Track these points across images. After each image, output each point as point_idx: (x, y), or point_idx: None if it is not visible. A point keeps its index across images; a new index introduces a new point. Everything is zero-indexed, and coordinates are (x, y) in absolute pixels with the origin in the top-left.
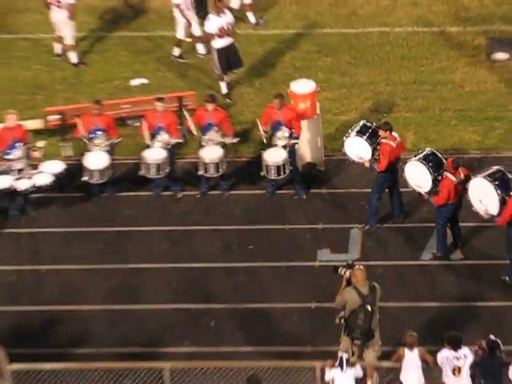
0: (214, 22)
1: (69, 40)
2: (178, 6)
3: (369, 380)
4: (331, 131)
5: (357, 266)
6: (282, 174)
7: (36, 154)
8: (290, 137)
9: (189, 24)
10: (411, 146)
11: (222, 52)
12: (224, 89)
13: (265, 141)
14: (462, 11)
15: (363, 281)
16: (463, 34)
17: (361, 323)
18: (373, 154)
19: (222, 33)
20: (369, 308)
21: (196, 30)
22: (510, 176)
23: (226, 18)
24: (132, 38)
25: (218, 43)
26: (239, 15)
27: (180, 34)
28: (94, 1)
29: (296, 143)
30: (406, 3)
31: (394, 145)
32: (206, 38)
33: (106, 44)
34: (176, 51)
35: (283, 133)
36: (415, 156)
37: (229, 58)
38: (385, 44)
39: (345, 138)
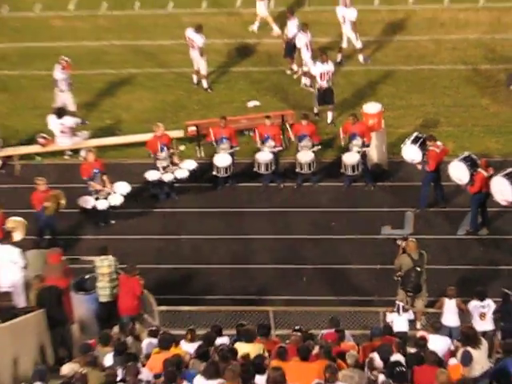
0: (318, 68)
1: (202, 71)
2: (305, 45)
3: (418, 322)
4: (392, 140)
5: (410, 239)
6: (356, 171)
7: (175, 159)
8: (363, 145)
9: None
10: (451, 153)
11: (320, 91)
12: (315, 110)
13: (343, 145)
14: (488, 54)
15: (414, 249)
16: (489, 71)
17: (412, 280)
18: (423, 158)
19: (323, 77)
20: (418, 269)
21: (310, 67)
22: None
23: (328, 67)
24: (248, 72)
25: (319, 84)
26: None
27: (305, 67)
28: (220, 44)
29: (367, 149)
30: (449, 48)
31: (438, 151)
32: (311, 77)
33: (229, 76)
34: (306, 80)
35: (357, 141)
36: (457, 157)
37: (324, 96)
38: (432, 77)
39: (402, 145)
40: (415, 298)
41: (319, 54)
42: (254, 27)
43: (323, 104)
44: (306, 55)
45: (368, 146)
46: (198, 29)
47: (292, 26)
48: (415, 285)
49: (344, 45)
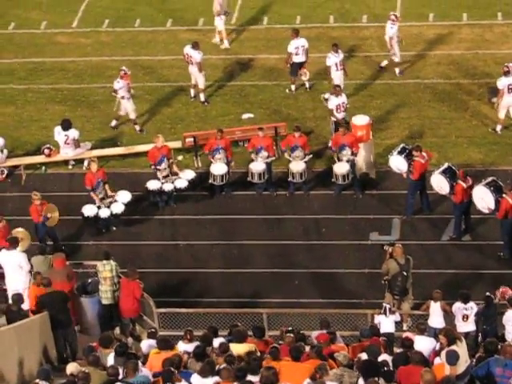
0: (333, 101)
1: (200, 86)
2: (334, 65)
3: (404, 323)
4: (380, 151)
5: (397, 245)
6: (346, 180)
7: (175, 169)
8: (352, 154)
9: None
10: (435, 162)
11: (336, 123)
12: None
13: (336, 158)
14: (471, 69)
15: (401, 255)
16: (472, 85)
17: (399, 284)
18: (408, 167)
19: (339, 109)
20: (405, 274)
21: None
22: (501, 183)
23: (342, 99)
24: (242, 86)
25: (335, 116)
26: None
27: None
28: (216, 60)
29: (355, 158)
30: (433, 63)
31: (423, 161)
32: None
33: (224, 89)
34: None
35: (347, 151)
36: (437, 169)
37: (338, 125)
38: (418, 91)
39: (389, 156)
40: (401, 301)
41: (333, 87)
42: (224, 44)
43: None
44: (335, 74)
45: (355, 155)
46: (195, 46)
47: (294, 45)
48: (401, 288)
49: (398, 59)
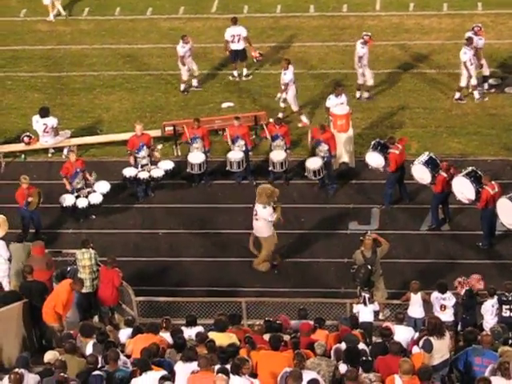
0: (332, 100)
1: (184, 76)
2: (469, 60)
3: (380, 313)
4: (360, 141)
5: (367, 237)
6: (317, 175)
7: (156, 155)
8: (329, 152)
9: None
10: (415, 152)
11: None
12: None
13: (309, 148)
14: (451, 59)
15: (369, 248)
16: (452, 75)
17: (361, 276)
18: (385, 161)
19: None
20: (369, 267)
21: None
22: (480, 173)
23: (342, 99)
24: (223, 74)
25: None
26: None
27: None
28: (196, 48)
29: (333, 159)
30: (413, 53)
31: (397, 152)
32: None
33: (204, 78)
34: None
35: (323, 147)
36: (418, 159)
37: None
38: (398, 80)
39: (365, 153)
40: (374, 292)
41: (333, 87)
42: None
43: None
44: (470, 69)
45: (335, 156)
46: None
47: (230, 33)
48: (363, 280)
49: (487, 73)
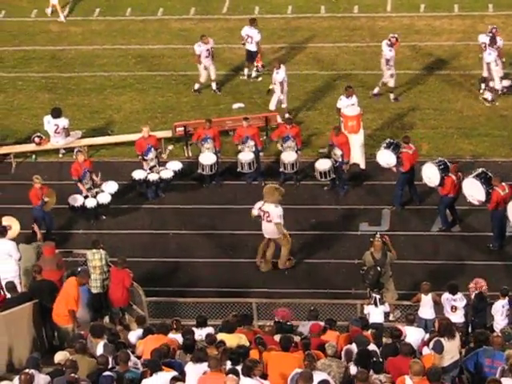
0: (343, 101)
1: (202, 78)
2: (494, 61)
3: (391, 314)
4: (370, 142)
5: (377, 238)
6: (325, 177)
7: (163, 156)
8: (342, 157)
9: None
10: (425, 153)
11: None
12: None
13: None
14: (462, 60)
15: (379, 249)
16: (463, 76)
17: (370, 277)
18: (397, 161)
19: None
20: (378, 268)
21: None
22: (490, 175)
23: (353, 100)
24: (234, 75)
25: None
26: None
27: (491, 82)
28: None
29: (346, 165)
30: (424, 54)
31: (411, 152)
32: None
33: (216, 79)
34: (488, 95)
35: (336, 151)
36: (431, 161)
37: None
38: (409, 82)
39: (377, 151)
40: (384, 293)
41: (345, 88)
42: (48, 11)
43: None
44: (494, 70)
45: (347, 162)
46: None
47: (244, 33)
48: (372, 282)
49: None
